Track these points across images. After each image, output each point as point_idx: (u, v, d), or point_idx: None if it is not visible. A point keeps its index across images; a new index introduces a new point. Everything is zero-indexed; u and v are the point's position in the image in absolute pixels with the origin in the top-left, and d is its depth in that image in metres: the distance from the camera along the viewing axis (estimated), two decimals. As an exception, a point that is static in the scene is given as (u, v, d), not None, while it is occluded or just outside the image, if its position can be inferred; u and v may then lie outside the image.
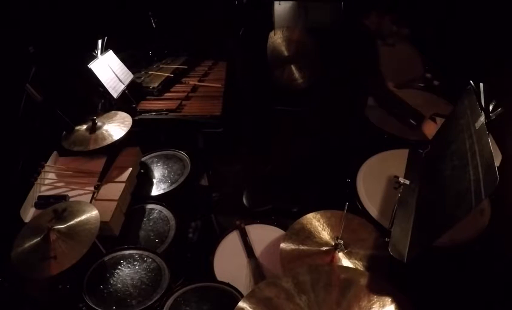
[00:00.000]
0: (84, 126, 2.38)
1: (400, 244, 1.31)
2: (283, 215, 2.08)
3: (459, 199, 1.16)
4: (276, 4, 3.76)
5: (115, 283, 1.75)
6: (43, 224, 1.69)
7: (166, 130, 2.85)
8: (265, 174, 3.19)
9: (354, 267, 1.50)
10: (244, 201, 2.53)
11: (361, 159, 2.24)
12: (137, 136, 2.50)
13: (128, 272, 1.79)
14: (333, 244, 1.57)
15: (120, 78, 2.85)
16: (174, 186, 2.36)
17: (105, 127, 2.35)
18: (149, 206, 2.22)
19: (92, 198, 2.10)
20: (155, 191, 2.34)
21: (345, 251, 1.56)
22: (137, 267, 1.82)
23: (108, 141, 2.25)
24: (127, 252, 1.90)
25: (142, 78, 3.24)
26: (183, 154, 2.60)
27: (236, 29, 3.82)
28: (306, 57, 3.97)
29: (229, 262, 1.85)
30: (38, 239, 1.65)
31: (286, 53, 3.98)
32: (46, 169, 2.24)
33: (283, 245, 1.64)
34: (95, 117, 2.36)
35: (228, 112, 2.90)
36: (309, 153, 3.06)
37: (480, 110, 1.35)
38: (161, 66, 3.45)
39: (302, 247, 1.61)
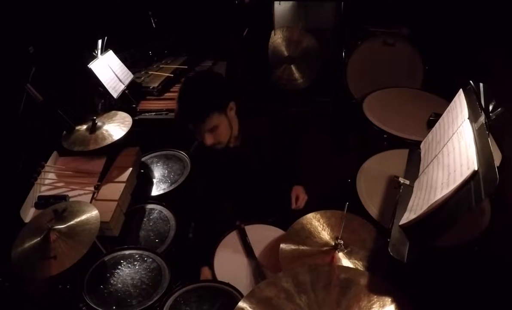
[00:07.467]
0: (84, 126, 2.38)
1: (400, 244, 1.30)
2: (283, 215, 2.07)
3: (459, 199, 1.16)
4: (276, 4, 3.76)
5: (115, 283, 1.74)
6: (43, 224, 1.69)
7: (166, 130, 2.85)
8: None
9: (354, 267, 1.49)
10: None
11: (361, 159, 2.24)
12: (137, 136, 2.50)
13: (128, 272, 1.79)
14: (333, 244, 1.57)
15: (120, 78, 2.85)
16: (174, 186, 2.35)
17: (105, 127, 2.35)
18: (149, 206, 2.22)
19: (92, 198, 2.10)
20: (155, 191, 2.34)
21: (345, 251, 1.55)
22: (137, 267, 1.82)
23: (108, 141, 2.25)
24: (127, 252, 1.90)
25: (142, 78, 3.24)
26: (183, 154, 2.59)
27: (238, 29, 3.82)
28: (306, 57, 3.98)
29: (229, 262, 1.85)
30: (38, 239, 1.65)
31: (286, 53, 3.99)
32: (46, 169, 2.24)
33: (283, 245, 1.63)
34: (95, 117, 2.36)
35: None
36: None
37: (480, 110, 1.35)
38: (161, 66, 3.46)
39: (302, 247, 1.61)
